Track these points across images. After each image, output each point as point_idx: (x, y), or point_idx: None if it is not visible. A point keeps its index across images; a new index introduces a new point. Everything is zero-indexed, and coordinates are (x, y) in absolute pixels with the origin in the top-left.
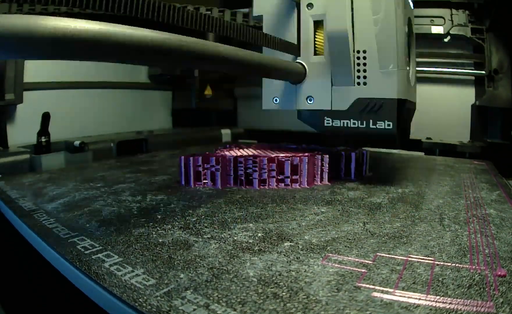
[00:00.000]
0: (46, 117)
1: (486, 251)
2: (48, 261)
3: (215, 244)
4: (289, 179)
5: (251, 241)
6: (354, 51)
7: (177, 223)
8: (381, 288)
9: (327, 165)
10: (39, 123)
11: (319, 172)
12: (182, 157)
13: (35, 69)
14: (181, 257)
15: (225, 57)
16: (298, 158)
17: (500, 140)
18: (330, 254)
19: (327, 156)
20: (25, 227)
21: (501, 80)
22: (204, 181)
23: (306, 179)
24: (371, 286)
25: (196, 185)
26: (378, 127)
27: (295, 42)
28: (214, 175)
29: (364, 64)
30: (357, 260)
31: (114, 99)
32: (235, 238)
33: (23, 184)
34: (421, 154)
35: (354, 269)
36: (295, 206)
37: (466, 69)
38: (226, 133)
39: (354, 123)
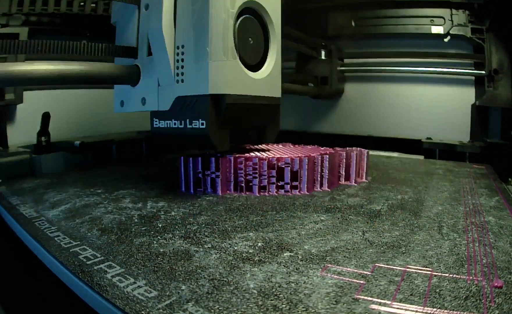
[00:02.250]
0: (46, 117)
1: (483, 261)
2: (50, 270)
3: (215, 254)
4: (289, 186)
5: (251, 251)
6: (175, 48)
7: (177, 232)
8: (379, 300)
9: (327, 171)
10: (39, 123)
11: (318, 178)
12: (182, 158)
13: None
14: (182, 267)
15: (41, 76)
16: (298, 164)
17: (500, 140)
18: (329, 265)
19: (327, 161)
20: (27, 235)
21: (501, 80)
22: (204, 187)
23: (306, 185)
24: (369, 298)
25: (196, 192)
26: (193, 126)
27: (136, 45)
28: (214, 182)
29: (183, 60)
30: (355, 271)
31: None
32: (236, 248)
33: (24, 189)
34: (421, 157)
35: (353, 280)
36: (295, 213)
37: (466, 69)
38: None
39: (175, 124)
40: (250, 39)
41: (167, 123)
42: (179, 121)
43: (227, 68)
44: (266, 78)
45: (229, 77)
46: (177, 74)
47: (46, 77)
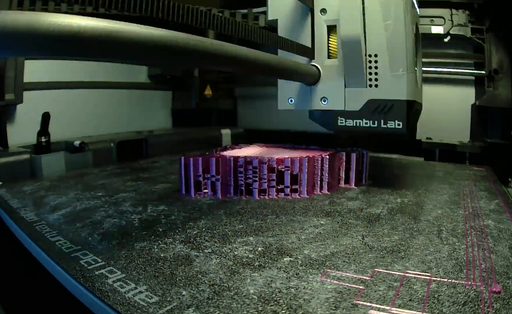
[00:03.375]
0: (46, 117)
1: (482, 265)
2: (52, 274)
3: (216, 259)
4: (288, 189)
5: (251, 255)
6: (366, 55)
7: (178, 236)
8: (378, 306)
9: (327, 174)
10: (39, 123)
11: (318, 181)
12: (182, 158)
13: (35, 69)
14: (183, 273)
15: (245, 59)
16: (298, 167)
17: (500, 140)
18: (329, 270)
19: (327, 164)
20: (29, 240)
21: (501, 80)
22: (205, 190)
23: (305, 188)
24: (368, 304)
25: (197, 195)
26: (388, 126)
27: (309, 46)
28: (214, 185)
29: (376, 67)
30: (355, 276)
31: (114, 99)
32: (236, 252)
33: (24, 192)
34: (421, 159)
35: (352, 285)
36: (295, 217)
37: (466, 69)
38: (226, 133)
39: (366, 123)
40: None
41: (356, 122)
42: (371, 121)
43: (414, 79)
44: (419, 87)
45: (414, 86)
46: (370, 79)
47: (251, 63)
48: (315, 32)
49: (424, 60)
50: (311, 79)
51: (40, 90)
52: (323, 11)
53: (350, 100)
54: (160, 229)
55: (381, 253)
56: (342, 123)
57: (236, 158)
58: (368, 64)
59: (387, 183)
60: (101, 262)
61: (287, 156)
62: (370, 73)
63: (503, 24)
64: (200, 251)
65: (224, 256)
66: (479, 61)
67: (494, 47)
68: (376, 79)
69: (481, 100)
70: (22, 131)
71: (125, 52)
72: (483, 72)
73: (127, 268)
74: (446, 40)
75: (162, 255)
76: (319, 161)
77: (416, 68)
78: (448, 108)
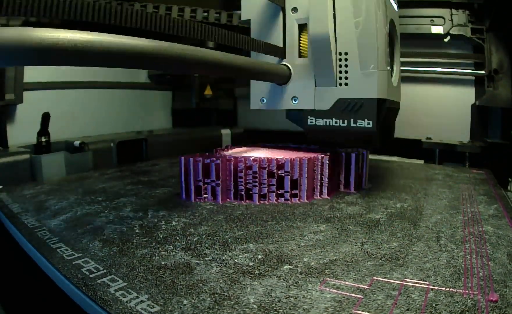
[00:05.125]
0: (46, 117)
1: (480, 273)
2: (53, 282)
3: (216, 267)
4: (288, 194)
5: (251, 263)
6: (336, 53)
7: (178, 243)
8: None
9: (327, 179)
10: (39, 123)
11: (318, 186)
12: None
13: (35, 69)
14: (184, 281)
15: (215, 62)
16: (298, 171)
17: (500, 140)
18: (328, 278)
19: (327, 169)
20: (30, 246)
21: (501, 80)
22: (205, 195)
23: (305, 193)
24: (367, 313)
25: (197, 200)
26: (358, 125)
27: (281, 45)
28: (215, 190)
29: (346, 66)
30: (354, 285)
31: (114, 99)
32: (236, 260)
33: (25, 196)
34: (421, 161)
35: (351, 294)
36: (295, 224)
37: (466, 69)
38: (226, 133)
39: (336, 122)
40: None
41: (326, 121)
42: (341, 120)
43: (385, 76)
44: (396, 85)
45: (386, 84)
46: (340, 78)
47: (218, 64)
48: (286, 31)
49: (424, 60)
50: (281, 79)
51: (40, 90)
52: (294, 10)
53: (320, 99)
54: (161, 236)
55: (380, 260)
56: (312, 122)
57: (236, 163)
58: (338, 62)
59: (386, 187)
60: (103, 270)
61: (287, 157)
62: (340, 72)
63: (503, 24)
64: (201, 258)
65: (225, 264)
66: (479, 61)
67: (494, 47)
68: (346, 78)
69: (481, 100)
70: (22, 131)
71: (98, 59)
72: (483, 72)
73: (129, 276)
74: (446, 40)
75: (163, 263)
76: (319, 166)
77: (390, 67)
78: (448, 108)
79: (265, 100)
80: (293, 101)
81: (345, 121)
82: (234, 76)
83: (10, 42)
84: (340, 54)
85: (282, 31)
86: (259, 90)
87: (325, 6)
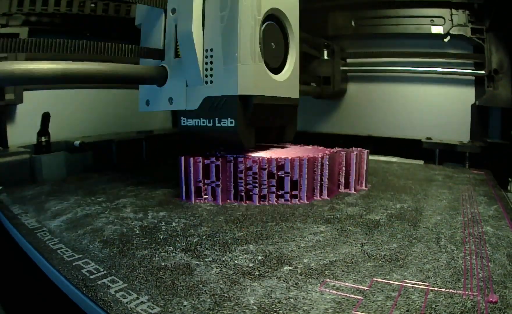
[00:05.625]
0: (46, 117)
1: (480, 274)
2: (54, 283)
3: (216, 268)
4: (288, 195)
5: (251, 265)
6: (204, 50)
7: (179, 244)
8: None
9: (326, 180)
10: (39, 123)
11: (318, 187)
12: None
13: None
14: (184, 282)
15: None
16: (298, 172)
17: (500, 140)
18: (328, 280)
19: (327, 170)
20: (30, 247)
21: (501, 80)
22: (205, 196)
23: (305, 194)
24: None
25: (197, 200)
26: (222, 124)
27: (162, 47)
28: (215, 191)
29: (211, 63)
30: (353, 286)
31: (114, 99)
32: (236, 261)
33: (25, 197)
34: (421, 162)
35: (351, 296)
36: (295, 224)
37: (466, 69)
38: None
39: (203, 122)
40: (272, 44)
41: (195, 122)
42: (207, 120)
43: (254, 71)
44: (287, 80)
45: (255, 79)
46: (206, 76)
47: (76, 76)
48: (166, 33)
49: (424, 60)
50: (156, 81)
51: (40, 90)
52: (173, 10)
53: (190, 99)
54: (161, 237)
55: (380, 261)
56: (184, 123)
57: (236, 164)
58: (205, 60)
59: (386, 188)
60: (103, 271)
61: (287, 156)
62: (206, 69)
63: (503, 24)
64: (201, 259)
65: (225, 265)
66: (479, 61)
67: (494, 47)
68: (211, 75)
69: (481, 100)
70: (22, 131)
71: None
72: (483, 72)
73: (129, 277)
74: (446, 40)
75: (163, 264)
76: (319, 166)
77: (261, 61)
78: (448, 108)
79: (149, 102)
80: (170, 102)
81: (211, 121)
82: (102, 82)
83: None
84: (206, 51)
85: (163, 33)
86: (144, 92)
87: (191, 2)
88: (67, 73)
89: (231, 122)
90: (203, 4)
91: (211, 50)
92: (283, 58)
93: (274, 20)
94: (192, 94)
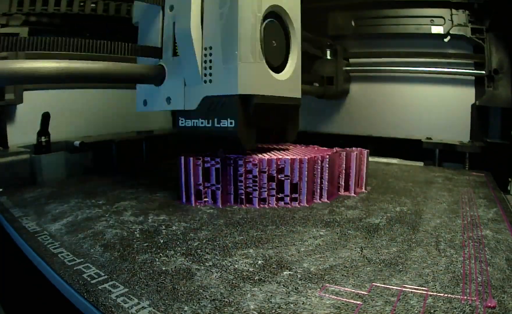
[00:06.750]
0: (46, 117)
1: (479, 279)
2: (55, 287)
3: (216, 272)
4: (288, 198)
5: (251, 269)
6: (203, 49)
7: (179, 248)
8: None
9: (326, 183)
10: (39, 123)
11: (318, 190)
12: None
13: None
14: (185, 287)
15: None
16: (298, 174)
17: (500, 140)
18: (328, 284)
19: (327, 172)
20: (31, 251)
21: (501, 80)
22: (205, 199)
23: (305, 197)
24: None
25: (197, 204)
26: (221, 125)
27: (160, 46)
28: (215, 194)
29: (210, 61)
30: (353, 291)
31: (114, 99)
32: (236, 266)
33: (25, 200)
34: (420, 164)
35: (350, 301)
36: (294, 228)
37: (466, 69)
38: None
39: (202, 122)
40: (273, 42)
41: (193, 122)
42: (206, 120)
43: (254, 69)
44: (288, 80)
45: (256, 78)
46: (205, 75)
47: (70, 75)
48: (164, 31)
49: (424, 60)
50: (154, 80)
51: (40, 90)
52: (171, 8)
53: (188, 99)
54: (162, 241)
55: (379, 266)
56: (183, 123)
57: (236, 167)
58: (204, 58)
59: (386, 190)
60: (104, 276)
61: (287, 157)
62: (205, 68)
63: (503, 24)
64: (201, 264)
65: (225, 269)
66: (479, 61)
67: (494, 47)
68: (210, 74)
69: (481, 100)
70: (22, 131)
71: None
72: (483, 72)
73: (130, 282)
74: (446, 40)
75: (164, 268)
76: (319, 169)
77: (262, 59)
78: (448, 108)
79: (147, 102)
80: (167, 102)
81: (210, 121)
82: (98, 82)
83: None
84: (205, 49)
85: (161, 31)
86: (142, 92)
87: (189, 0)
88: (61, 72)
89: (231, 123)
90: (201, 1)
91: (210, 48)
92: (284, 57)
93: (275, 18)
94: (190, 93)
